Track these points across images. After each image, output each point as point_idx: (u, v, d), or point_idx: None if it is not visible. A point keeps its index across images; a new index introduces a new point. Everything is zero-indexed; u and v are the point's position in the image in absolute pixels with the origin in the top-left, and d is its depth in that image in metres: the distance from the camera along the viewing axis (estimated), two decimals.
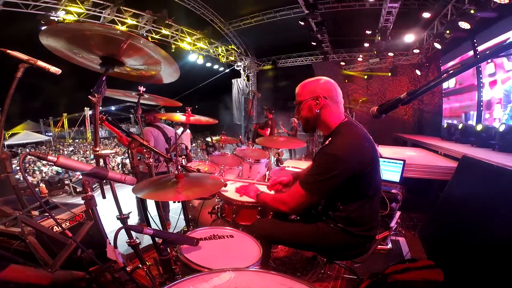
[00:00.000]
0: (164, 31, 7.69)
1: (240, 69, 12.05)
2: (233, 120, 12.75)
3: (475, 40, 6.35)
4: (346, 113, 1.59)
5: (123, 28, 6.58)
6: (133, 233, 1.58)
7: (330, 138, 1.48)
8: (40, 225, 1.55)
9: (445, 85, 8.08)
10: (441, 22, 6.50)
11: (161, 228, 1.82)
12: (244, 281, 0.92)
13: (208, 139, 3.27)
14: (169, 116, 2.31)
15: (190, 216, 2.36)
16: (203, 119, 2.33)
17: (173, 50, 8.13)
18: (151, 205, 1.96)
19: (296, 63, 11.42)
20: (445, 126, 6.88)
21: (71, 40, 1.29)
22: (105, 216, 1.48)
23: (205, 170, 2.78)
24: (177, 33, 8.10)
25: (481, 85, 6.25)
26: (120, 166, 11.29)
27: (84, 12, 5.97)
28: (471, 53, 6.63)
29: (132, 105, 2.01)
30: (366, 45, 8.66)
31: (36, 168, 10.62)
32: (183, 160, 2.37)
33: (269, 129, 6.53)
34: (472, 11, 5.06)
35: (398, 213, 2.71)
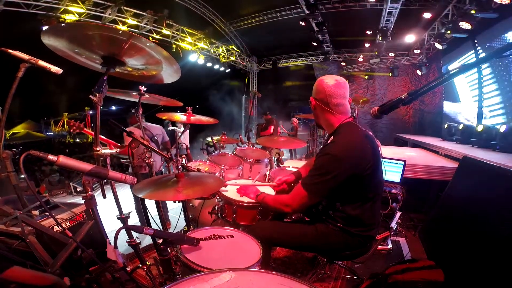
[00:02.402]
0: (165, 31, 7.69)
1: (241, 69, 12.05)
2: (233, 120, 12.76)
3: (476, 41, 6.34)
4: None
5: (124, 28, 6.58)
6: (133, 233, 1.58)
7: (332, 137, 1.50)
8: (40, 224, 1.55)
9: None
10: (442, 22, 6.49)
11: (161, 228, 1.82)
12: (244, 281, 0.92)
13: (208, 139, 3.27)
14: (169, 116, 2.31)
15: (190, 216, 2.37)
16: (204, 119, 2.34)
17: (174, 50, 8.12)
18: (149, 205, 1.96)
19: (297, 63, 11.41)
20: (445, 126, 6.87)
21: (73, 40, 1.29)
22: (105, 216, 1.48)
23: (205, 170, 2.78)
24: (178, 33, 8.10)
25: (482, 85, 6.24)
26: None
27: (85, 12, 5.96)
28: (472, 53, 6.62)
29: (133, 105, 2.01)
30: (367, 45, 8.65)
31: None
32: (183, 159, 2.37)
33: (272, 127, 6.62)
34: (473, 12, 5.05)
35: (398, 214, 2.71)
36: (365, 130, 1.48)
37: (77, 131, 3.03)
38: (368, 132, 1.49)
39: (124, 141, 2.86)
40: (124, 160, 4.84)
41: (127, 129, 3.04)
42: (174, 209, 3.75)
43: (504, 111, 5.42)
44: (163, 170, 2.99)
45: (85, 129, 3.04)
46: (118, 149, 1.54)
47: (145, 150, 1.77)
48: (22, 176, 1.65)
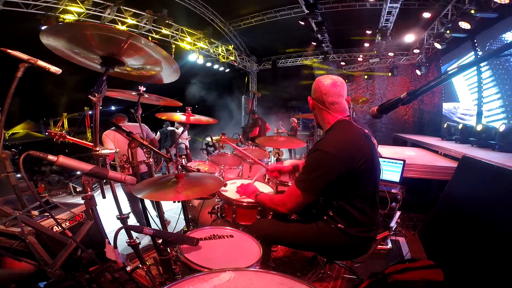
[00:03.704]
0: (164, 31, 7.68)
1: (240, 69, 12.04)
2: (232, 120, 12.76)
3: (475, 40, 6.35)
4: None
5: (124, 27, 6.57)
6: (133, 233, 1.58)
7: (324, 135, 1.51)
8: (40, 224, 1.55)
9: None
10: (442, 22, 6.49)
11: (160, 228, 1.82)
12: (244, 281, 0.92)
13: (208, 138, 3.27)
14: (169, 116, 2.31)
15: (190, 216, 2.37)
16: (203, 119, 2.34)
17: (173, 50, 8.12)
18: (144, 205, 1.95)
19: (296, 63, 11.40)
20: (445, 126, 6.88)
21: (72, 40, 1.29)
22: (105, 216, 1.48)
23: (205, 170, 2.78)
24: (177, 32, 8.09)
25: (481, 85, 6.24)
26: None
27: (85, 11, 5.95)
28: (471, 53, 6.62)
29: (132, 105, 2.01)
30: (366, 45, 8.65)
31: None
32: (183, 160, 2.37)
33: (258, 128, 6.39)
34: (472, 11, 5.05)
35: (398, 213, 2.72)
36: (360, 128, 1.48)
37: (60, 139, 3.03)
38: (363, 130, 1.48)
39: (103, 143, 2.85)
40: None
41: (110, 130, 3.01)
42: (174, 209, 3.75)
43: (505, 115, 5.37)
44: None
45: (68, 137, 3.03)
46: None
47: (144, 150, 1.77)
48: (18, 175, 1.65)
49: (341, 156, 1.34)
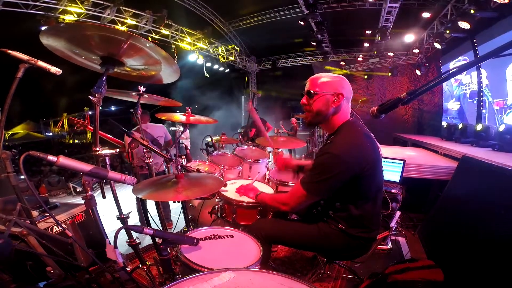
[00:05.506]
0: (164, 31, 7.68)
1: (240, 69, 12.03)
2: (232, 120, 12.76)
3: (475, 40, 6.35)
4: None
5: (123, 28, 6.57)
6: (133, 233, 1.58)
7: (332, 137, 1.49)
8: (34, 227, 1.55)
9: None
10: (441, 22, 6.49)
11: (161, 228, 1.82)
12: (244, 281, 0.92)
13: (208, 139, 3.27)
14: (169, 116, 2.31)
15: (190, 216, 2.37)
16: (203, 119, 2.34)
17: (173, 51, 8.12)
18: (150, 205, 1.96)
19: (296, 63, 11.40)
20: (445, 126, 6.87)
21: (72, 40, 1.29)
22: (105, 216, 1.48)
23: (205, 170, 2.79)
24: (177, 33, 8.09)
25: (481, 84, 6.25)
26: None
27: (84, 12, 5.95)
28: (471, 53, 6.62)
29: (132, 106, 2.01)
30: (366, 45, 8.64)
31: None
32: (183, 160, 2.38)
33: (254, 130, 6.23)
34: (472, 11, 5.05)
35: (398, 213, 2.72)
36: (365, 129, 1.48)
37: (81, 128, 2.98)
38: (368, 131, 1.48)
39: (124, 141, 2.84)
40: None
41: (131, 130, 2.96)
42: (174, 209, 3.75)
43: None
44: (165, 170, 2.91)
45: (89, 126, 2.96)
46: (118, 150, 1.53)
47: (145, 150, 1.77)
48: (22, 177, 1.65)
49: (350, 162, 1.33)
